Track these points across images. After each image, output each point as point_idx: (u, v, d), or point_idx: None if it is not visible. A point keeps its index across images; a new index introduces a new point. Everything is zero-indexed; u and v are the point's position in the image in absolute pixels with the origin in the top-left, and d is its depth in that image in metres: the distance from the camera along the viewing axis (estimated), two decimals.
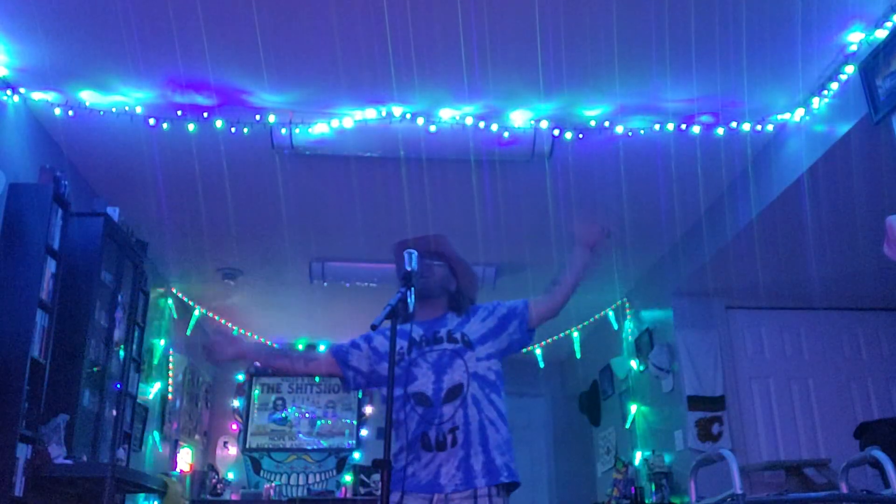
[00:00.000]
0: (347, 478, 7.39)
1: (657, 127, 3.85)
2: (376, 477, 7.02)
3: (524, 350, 2.54)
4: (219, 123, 3.78)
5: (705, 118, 3.81)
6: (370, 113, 3.76)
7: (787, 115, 3.77)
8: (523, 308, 2.45)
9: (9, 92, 3.55)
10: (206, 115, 3.75)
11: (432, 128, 3.81)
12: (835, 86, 3.45)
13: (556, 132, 3.85)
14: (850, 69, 3.33)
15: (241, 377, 7.80)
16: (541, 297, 2.46)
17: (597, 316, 6.63)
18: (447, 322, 2.42)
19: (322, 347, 7.64)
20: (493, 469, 2.24)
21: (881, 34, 3.10)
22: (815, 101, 3.59)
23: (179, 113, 3.73)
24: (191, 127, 3.79)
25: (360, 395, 7.68)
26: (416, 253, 2.25)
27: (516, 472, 2.31)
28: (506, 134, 3.87)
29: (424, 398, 2.28)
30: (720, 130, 3.86)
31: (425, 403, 2.27)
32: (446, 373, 2.29)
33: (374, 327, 2.10)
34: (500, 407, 2.34)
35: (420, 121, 3.77)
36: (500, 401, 2.36)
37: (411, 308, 2.17)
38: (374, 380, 2.50)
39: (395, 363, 2.06)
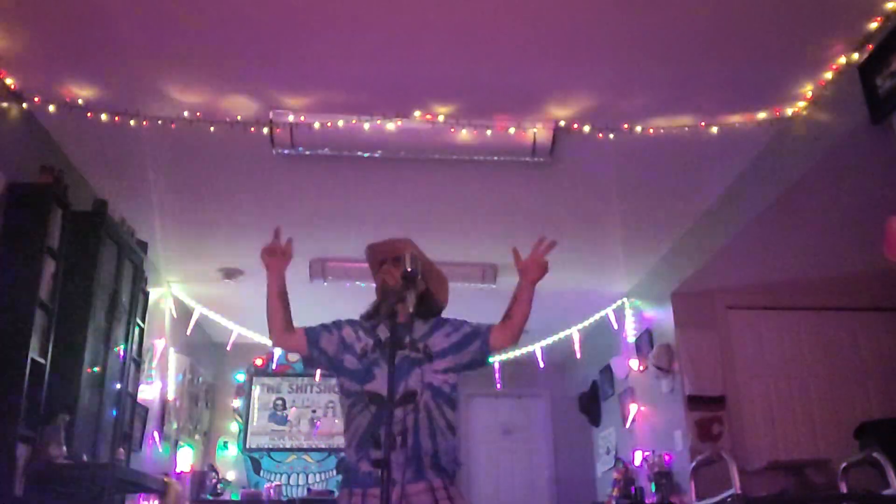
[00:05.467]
0: None
1: (658, 127, 3.84)
2: None
3: (484, 363, 2.65)
4: (219, 123, 3.77)
5: (705, 118, 3.81)
6: (370, 113, 3.76)
7: (787, 115, 3.77)
8: (486, 331, 2.53)
9: (9, 92, 3.55)
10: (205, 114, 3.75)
11: (431, 127, 3.80)
12: (835, 86, 3.45)
13: (557, 132, 3.85)
14: (850, 69, 3.33)
15: (241, 377, 7.80)
16: (498, 326, 2.55)
17: (597, 316, 6.63)
18: (413, 329, 2.49)
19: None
20: (440, 466, 2.35)
21: (881, 34, 3.10)
22: (816, 101, 3.59)
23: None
24: (191, 127, 3.78)
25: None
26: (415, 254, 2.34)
27: (459, 465, 2.45)
28: (506, 133, 3.87)
29: (379, 398, 2.32)
30: (720, 130, 3.86)
31: (379, 403, 2.32)
32: (403, 378, 2.37)
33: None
34: (450, 418, 2.44)
35: (419, 121, 3.77)
36: (451, 413, 2.46)
37: (411, 308, 2.27)
38: (336, 366, 2.60)
39: (394, 362, 2.10)
